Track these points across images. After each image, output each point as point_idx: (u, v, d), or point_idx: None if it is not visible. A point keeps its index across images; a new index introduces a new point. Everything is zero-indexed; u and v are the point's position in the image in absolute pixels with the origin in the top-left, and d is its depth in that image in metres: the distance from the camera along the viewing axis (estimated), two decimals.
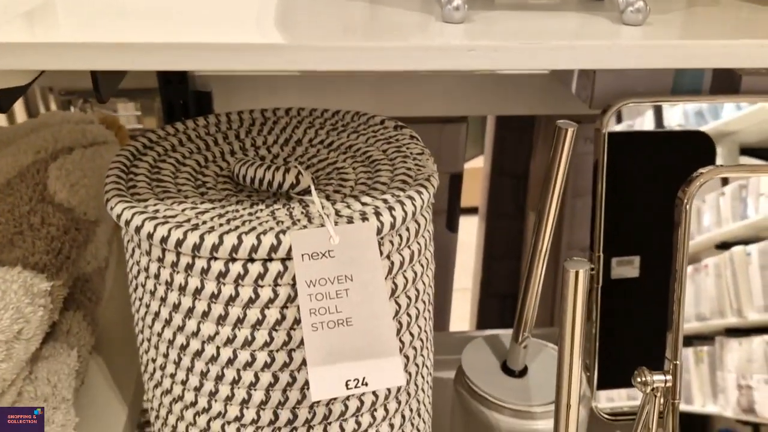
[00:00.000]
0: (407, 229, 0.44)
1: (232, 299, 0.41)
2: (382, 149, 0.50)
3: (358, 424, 0.45)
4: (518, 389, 0.57)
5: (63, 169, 0.57)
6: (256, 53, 0.35)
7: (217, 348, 0.42)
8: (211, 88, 0.72)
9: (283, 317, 0.41)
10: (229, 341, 0.42)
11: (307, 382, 0.42)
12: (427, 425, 0.52)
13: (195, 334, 0.42)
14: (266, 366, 0.42)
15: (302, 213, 0.44)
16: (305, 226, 0.42)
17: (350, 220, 0.42)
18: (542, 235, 0.53)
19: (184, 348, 0.43)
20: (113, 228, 0.64)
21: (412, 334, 0.46)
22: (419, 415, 0.49)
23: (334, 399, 0.43)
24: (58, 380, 0.50)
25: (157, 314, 0.44)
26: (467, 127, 0.83)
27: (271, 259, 0.40)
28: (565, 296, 0.43)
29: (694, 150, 0.63)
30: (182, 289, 0.42)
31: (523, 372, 0.58)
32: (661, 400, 0.51)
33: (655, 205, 0.60)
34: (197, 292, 0.41)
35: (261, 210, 0.44)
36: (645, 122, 0.63)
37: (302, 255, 0.40)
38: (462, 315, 1.01)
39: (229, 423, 0.44)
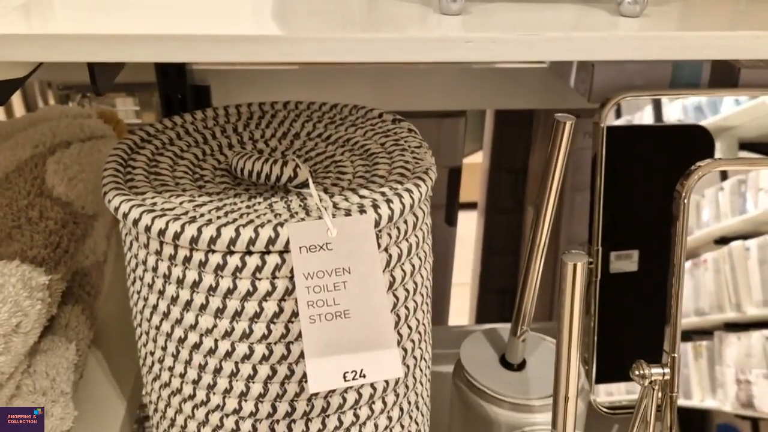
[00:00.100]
0: (405, 222, 0.44)
1: (230, 292, 0.41)
2: (380, 142, 0.50)
3: (356, 416, 0.45)
4: (517, 383, 0.57)
5: (61, 163, 0.57)
6: (254, 44, 0.35)
7: (215, 341, 0.42)
8: (210, 83, 0.72)
9: (281, 310, 0.41)
10: (227, 334, 0.42)
11: (305, 375, 0.42)
12: (425, 418, 0.52)
13: (193, 326, 0.42)
14: (264, 358, 0.42)
15: (300, 206, 0.44)
16: (303, 219, 0.42)
17: (348, 213, 0.42)
18: (541, 228, 0.53)
19: (182, 341, 0.43)
20: (112, 222, 0.64)
21: (409, 327, 0.46)
22: (417, 408, 0.49)
23: (333, 391, 0.43)
24: (57, 374, 0.50)
25: (155, 307, 0.44)
26: (466, 121, 0.83)
27: (268, 252, 0.40)
28: (563, 289, 0.43)
29: (693, 144, 0.63)
30: (180, 281, 0.42)
31: (522, 365, 0.58)
32: (659, 394, 0.51)
33: (653, 199, 0.60)
34: (195, 284, 0.41)
35: (259, 203, 0.44)
36: (644, 116, 0.63)
37: (300, 247, 0.40)
38: (461, 310, 1.01)
39: (227, 415, 0.44)
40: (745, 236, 0.57)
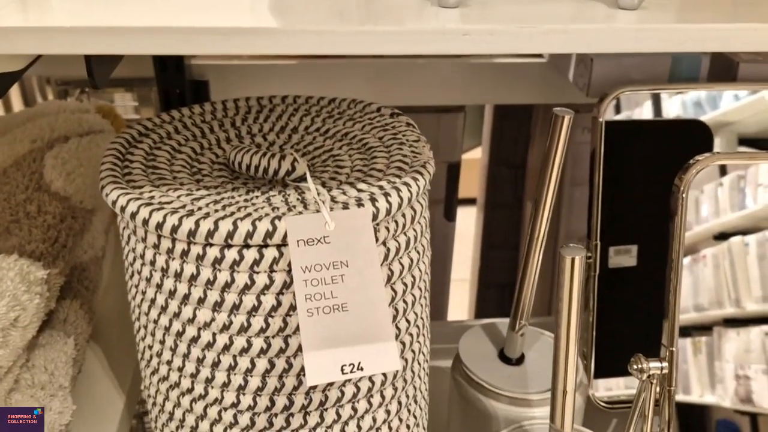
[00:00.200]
0: (403, 216, 0.44)
1: (227, 285, 0.41)
2: (378, 136, 0.50)
3: (354, 410, 0.45)
4: (515, 377, 0.57)
5: (59, 158, 0.57)
6: (251, 37, 0.35)
7: (213, 334, 0.42)
8: (208, 78, 0.72)
9: (279, 303, 0.41)
10: (225, 327, 0.42)
11: (303, 368, 0.42)
12: (423, 412, 0.52)
13: (191, 320, 0.42)
14: (262, 352, 0.42)
15: (298, 199, 0.43)
16: (301, 212, 0.42)
17: (346, 206, 0.42)
18: (539, 222, 0.53)
19: (180, 334, 0.43)
20: (110, 217, 0.64)
21: (408, 321, 0.46)
22: (415, 402, 0.49)
23: (331, 385, 0.43)
24: (55, 368, 0.50)
25: (153, 301, 0.44)
26: (464, 116, 0.83)
27: (266, 245, 0.40)
28: (561, 282, 0.43)
29: (692, 139, 0.63)
30: (178, 275, 0.42)
31: (520, 360, 0.58)
32: (657, 388, 0.51)
33: (652, 194, 0.60)
34: (193, 278, 0.41)
35: (257, 197, 0.44)
36: (643, 111, 0.63)
37: (298, 241, 0.40)
38: (460, 305, 1.01)
39: (225, 409, 0.44)
40: (744, 232, 0.57)
